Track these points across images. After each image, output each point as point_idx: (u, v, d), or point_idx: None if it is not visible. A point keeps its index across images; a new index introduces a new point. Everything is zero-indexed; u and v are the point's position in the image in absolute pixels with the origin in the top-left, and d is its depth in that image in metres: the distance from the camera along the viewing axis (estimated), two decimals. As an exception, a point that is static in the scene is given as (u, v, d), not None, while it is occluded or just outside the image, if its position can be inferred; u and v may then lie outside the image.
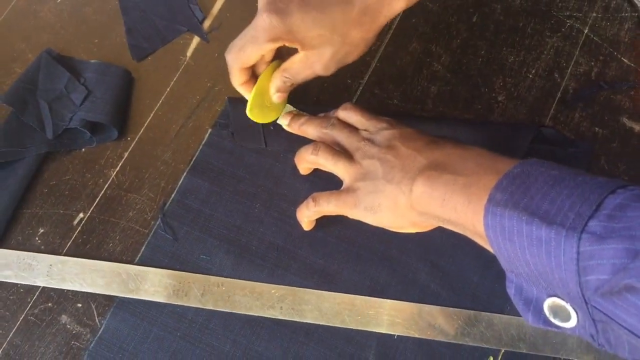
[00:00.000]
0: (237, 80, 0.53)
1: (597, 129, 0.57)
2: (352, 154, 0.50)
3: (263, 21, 0.48)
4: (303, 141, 0.56)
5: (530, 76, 0.59)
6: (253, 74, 0.54)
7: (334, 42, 0.49)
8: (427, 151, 0.46)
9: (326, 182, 0.55)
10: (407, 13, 0.63)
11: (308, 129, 0.54)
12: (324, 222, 0.54)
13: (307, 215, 0.52)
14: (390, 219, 0.47)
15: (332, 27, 0.48)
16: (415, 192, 0.44)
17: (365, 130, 0.51)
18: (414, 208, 0.45)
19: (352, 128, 0.52)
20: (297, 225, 0.55)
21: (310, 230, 0.55)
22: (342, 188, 0.50)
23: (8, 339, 0.53)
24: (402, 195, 0.45)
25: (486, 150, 0.44)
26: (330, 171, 0.52)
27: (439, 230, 0.53)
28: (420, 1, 0.63)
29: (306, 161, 0.53)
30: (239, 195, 0.56)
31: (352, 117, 0.52)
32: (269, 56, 0.52)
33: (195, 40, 0.63)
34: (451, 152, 0.45)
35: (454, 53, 0.61)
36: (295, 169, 0.56)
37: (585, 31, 0.61)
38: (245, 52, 0.50)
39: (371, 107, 0.59)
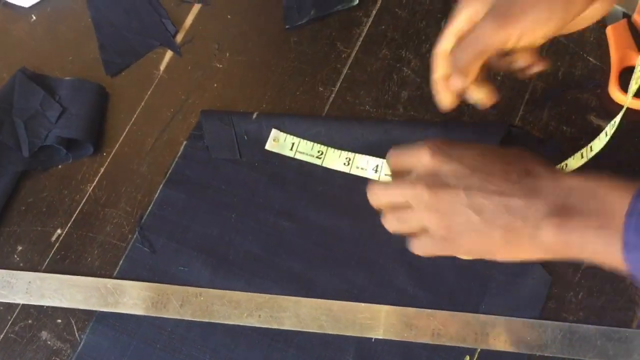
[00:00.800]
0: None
1: (565, 127, 0.58)
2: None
3: None
4: (277, 153, 0.57)
5: (499, 77, 0.60)
6: None
7: None
8: (534, 191, 0.41)
9: (301, 191, 0.56)
10: (376, 20, 0.64)
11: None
12: (300, 229, 0.55)
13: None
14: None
15: None
16: (545, 241, 0.40)
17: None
18: (542, 253, 0.42)
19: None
20: (274, 233, 0.55)
21: (287, 238, 0.55)
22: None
23: (-11, 357, 0.53)
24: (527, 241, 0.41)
25: (588, 177, 0.41)
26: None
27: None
28: (389, 8, 0.64)
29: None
30: (215, 206, 0.57)
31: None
32: None
33: (169, 54, 0.64)
34: (557, 187, 0.41)
35: (424, 57, 0.62)
36: (271, 178, 0.57)
37: (551, 32, 0.62)
38: None
39: (343, 113, 0.60)
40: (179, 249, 0.56)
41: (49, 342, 0.53)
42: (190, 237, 0.56)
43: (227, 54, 0.63)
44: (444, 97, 0.49)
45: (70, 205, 0.58)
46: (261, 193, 0.57)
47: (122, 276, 0.55)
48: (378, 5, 0.64)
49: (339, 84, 0.61)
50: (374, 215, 0.54)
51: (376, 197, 0.46)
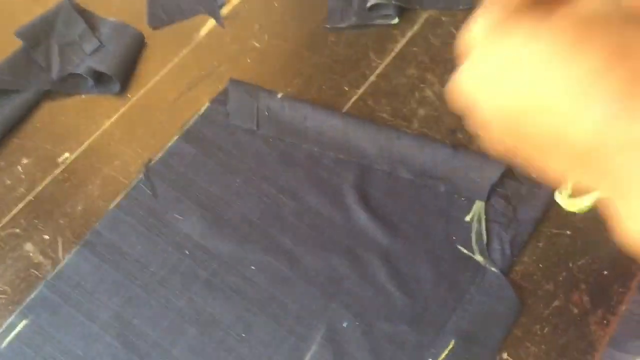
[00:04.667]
0: None
1: (562, 177, 0.62)
2: None
3: None
4: (295, 132, 0.59)
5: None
6: None
7: None
8: None
9: (306, 174, 0.58)
10: (410, 41, 0.68)
11: None
12: (298, 208, 0.57)
13: None
14: None
15: None
16: None
17: None
18: None
19: None
20: (273, 206, 0.57)
21: (284, 213, 0.57)
22: None
23: (-32, 255, 0.54)
24: None
25: None
26: None
27: (403, 237, 0.56)
28: (424, 34, 0.68)
29: None
30: (222, 167, 0.59)
31: None
32: None
33: (211, 22, 0.67)
34: None
35: (446, 84, 0.65)
36: (281, 154, 0.59)
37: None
38: None
39: (362, 115, 0.63)
40: (180, 198, 0.57)
41: (32, 255, 0.54)
42: (193, 191, 0.58)
43: (266, 36, 0.67)
44: None
45: (84, 134, 0.60)
46: (269, 166, 0.59)
47: (120, 210, 0.56)
48: (415, 28, 0.69)
49: (363, 88, 0.65)
50: (368, 212, 0.57)
51: None
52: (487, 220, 0.58)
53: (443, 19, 0.70)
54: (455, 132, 0.63)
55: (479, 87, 0.27)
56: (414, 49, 0.68)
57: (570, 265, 0.56)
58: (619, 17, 0.24)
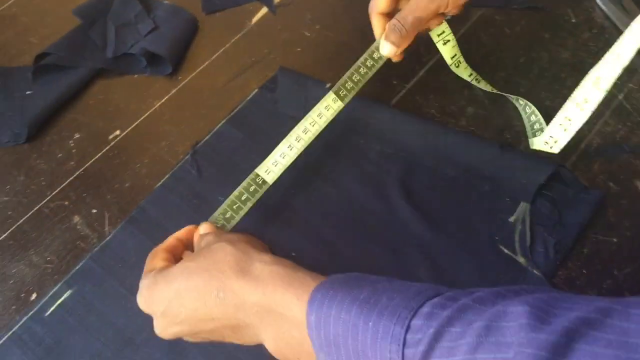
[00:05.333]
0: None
1: (611, 184, 0.60)
2: None
3: None
4: (341, 122, 0.59)
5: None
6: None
7: None
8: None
9: (351, 165, 0.58)
10: (462, 39, 0.67)
11: None
12: (341, 198, 0.57)
13: None
14: None
15: None
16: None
17: None
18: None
19: None
20: (316, 194, 0.58)
21: (326, 202, 0.57)
22: None
23: (18, 223, 0.55)
24: None
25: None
26: None
27: (445, 234, 0.56)
28: (476, 33, 0.68)
29: None
30: (267, 153, 0.59)
31: None
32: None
33: (264, 10, 0.68)
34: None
35: (496, 83, 0.65)
36: (326, 145, 0.60)
37: (620, 97, 0.65)
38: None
39: (409, 109, 0.63)
40: (224, 181, 0.58)
41: (79, 227, 0.55)
42: (237, 174, 0.58)
43: (317, 27, 0.67)
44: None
45: (135, 113, 0.61)
46: (314, 155, 0.60)
47: (164, 189, 0.57)
48: (465, 27, 0.68)
49: (412, 83, 0.64)
50: (411, 206, 0.57)
51: None
52: (531, 223, 0.57)
53: (496, 17, 0.69)
54: (503, 132, 0.62)
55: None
56: (465, 46, 0.67)
57: (615, 273, 0.54)
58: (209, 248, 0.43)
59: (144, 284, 0.43)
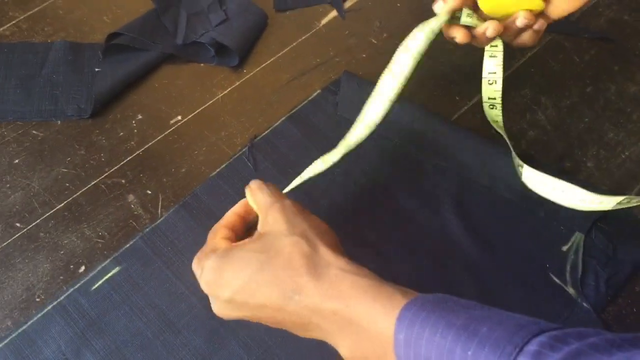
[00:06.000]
0: None
1: (669, 226, 0.59)
2: None
3: None
4: (399, 132, 0.59)
5: (624, 156, 0.61)
6: None
7: None
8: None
9: (401, 173, 0.58)
10: (529, 61, 0.67)
11: None
12: (388, 206, 0.57)
13: None
14: None
15: None
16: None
17: None
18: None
19: None
20: (363, 199, 0.57)
21: (373, 208, 0.57)
22: None
23: (75, 195, 0.56)
24: None
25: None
26: None
27: (494, 254, 0.55)
28: (544, 57, 0.67)
29: None
30: (323, 155, 0.59)
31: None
32: None
33: (333, 13, 0.68)
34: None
35: (560, 110, 0.64)
36: (381, 152, 0.59)
37: (687, 136, 0.63)
38: None
39: (469, 127, 0.62)
40: (278, 177, 0.58)
41: (133, 206, 0.56)
42: (292, 172, 0.58)
43: (385, 34, 0.67)
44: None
45: (197, 100, 0.62)
46: (367, 161, 0.59)
47: (219, 178, 0.57)
48: (535, 50, 0.67)
49: (475, 100, 0.64)
50: (463, 222, 0.56)
51: None
52: (584, 254, 0.56)
53: (566, 44, 0.68)
54: (563, 159, 0.61)
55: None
56: (532, 69, 0.66)
57: (668, 315, 0.53)
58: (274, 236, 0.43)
59: (209, 265, 0.42)
